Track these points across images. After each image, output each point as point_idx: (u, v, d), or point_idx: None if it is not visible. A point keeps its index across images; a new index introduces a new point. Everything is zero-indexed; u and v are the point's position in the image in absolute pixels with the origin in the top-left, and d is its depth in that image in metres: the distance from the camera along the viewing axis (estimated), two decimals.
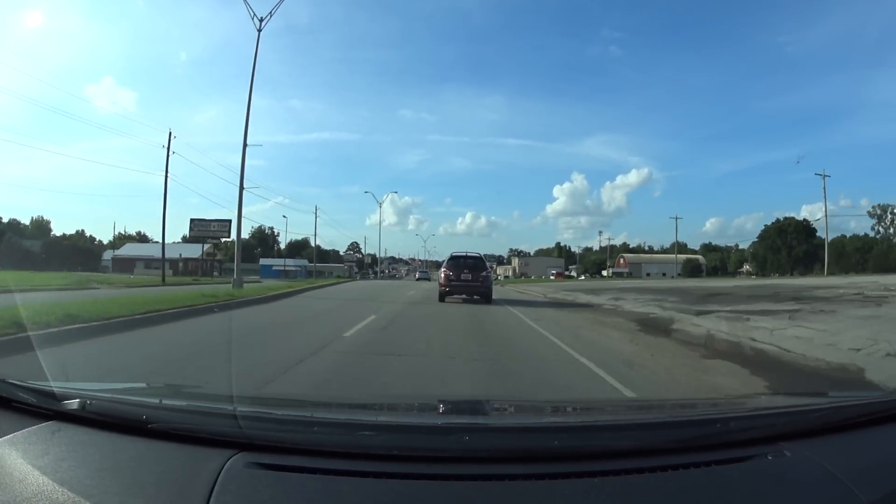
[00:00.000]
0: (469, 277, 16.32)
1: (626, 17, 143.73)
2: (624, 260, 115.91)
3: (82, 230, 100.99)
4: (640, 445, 1.29)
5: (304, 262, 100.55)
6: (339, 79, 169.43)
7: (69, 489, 1.07)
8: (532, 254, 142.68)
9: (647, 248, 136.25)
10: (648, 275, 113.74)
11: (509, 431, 1.45)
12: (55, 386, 1.44)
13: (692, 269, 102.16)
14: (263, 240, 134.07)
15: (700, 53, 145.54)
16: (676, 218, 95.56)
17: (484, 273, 16.82)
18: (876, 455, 1.34)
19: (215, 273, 67.49)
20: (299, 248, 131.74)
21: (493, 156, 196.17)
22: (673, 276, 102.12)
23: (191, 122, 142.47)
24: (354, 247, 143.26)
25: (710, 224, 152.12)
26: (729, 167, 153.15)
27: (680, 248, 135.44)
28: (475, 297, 16.39)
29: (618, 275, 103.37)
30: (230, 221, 44.79)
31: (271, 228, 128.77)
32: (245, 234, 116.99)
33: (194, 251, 68.43)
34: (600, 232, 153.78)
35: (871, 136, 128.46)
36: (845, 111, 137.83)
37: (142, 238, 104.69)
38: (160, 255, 54.50)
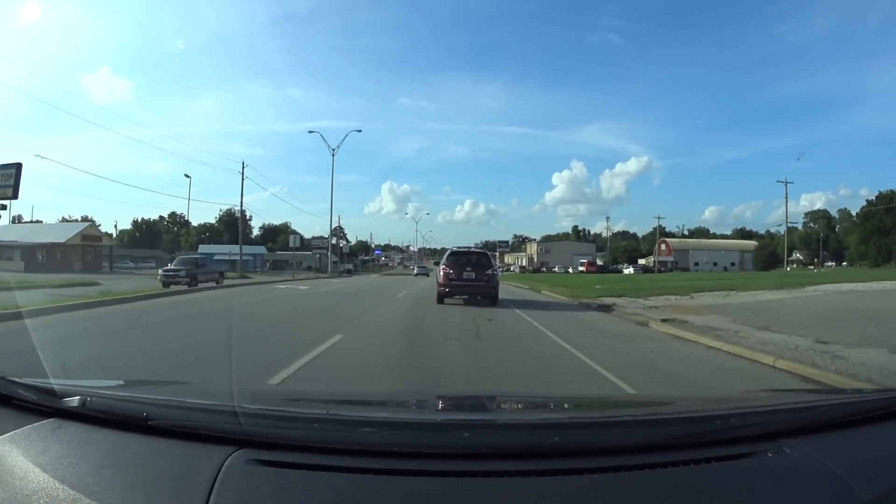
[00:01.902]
0: (472, 276, 14.24)
1: (625, 5, 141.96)
2: (668, 246, 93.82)
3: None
4: (641, 442, 1.28)
5: (262, 249, 78.55)
6: (338, 67, 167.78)
7: (70, 486, 1.06)
8: (538, 240, 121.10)
9: (684, 233, 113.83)
10: (697, 265, 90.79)
11: (509, 428, 1.45)
12: (55, 383, 1.44)
13: (768, 259, 79.31)
14: (233, 224, 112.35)
15: (699, 42, 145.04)
16: (786, 182, 69.07)
17: (489, 271, 14.65)
18: (875, 452, 1.32)
19: (106, 266, 46.10)
20: (276, 233, 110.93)
21: (492, 144, 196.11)
22: (726, 267, 79.67)
23: (188, 111, 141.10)
24: (338, 231, 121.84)
25: (710, 212, 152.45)
26: (728, 156, 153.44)
27: (709, 235, 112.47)
28: (479, 297, 14.40)
29: (661, 265, 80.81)
30: (18, 167, 23.46)
31: (243, 211, 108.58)
32: (211, 219, 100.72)
33: (64, 233, 46.57)
34: (608, 218, 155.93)
35: (870, 126, 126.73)
36: (845, 101, 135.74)
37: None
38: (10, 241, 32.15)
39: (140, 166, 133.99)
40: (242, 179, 42.64)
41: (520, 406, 2.17)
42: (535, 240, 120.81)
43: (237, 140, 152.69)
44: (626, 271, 73.64)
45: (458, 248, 16.33)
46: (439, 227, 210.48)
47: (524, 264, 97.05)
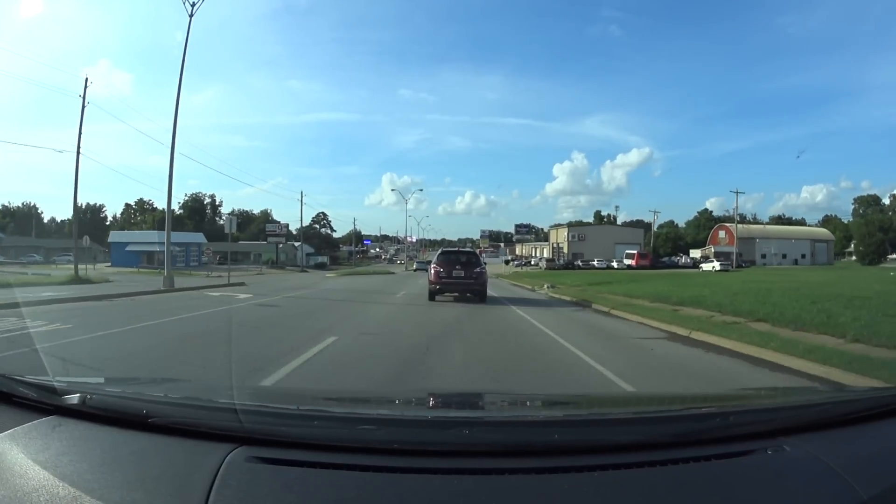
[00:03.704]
0: (462, 274, 14.89)
1: None
2: (730, 234, 75.47)
3: None
4: (640, 439, 1.28)
5: (198, 236, 59.84)
6: (338, 59, 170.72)
7: (70, 484, 1.06)
8: (546, 229, 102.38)
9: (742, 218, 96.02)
10: (764, 257, 71.89)
11: (508, 425, 1.46)
12: (55, 381, 1.45)
13: (878, 250, 60.30)
14: (198, 210, 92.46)
15: (700, 34, 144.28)
16: None
17: (478, 269, 15.33)
18: (875, 450, 1.32)
19: None
20: (247, 221, 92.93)
21: (492, 135, 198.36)
22: (796, 259, 61.87)
23: (188, 104, 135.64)
24: (320, 219, 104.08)
25: (710, 204, 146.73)
26: (729, 148, 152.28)
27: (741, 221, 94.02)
28: (468, 294, 14.98)
29: (724, 257, 62.82)
30: None
31: (212, 196, 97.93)
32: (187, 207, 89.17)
33: None
34: (616, 207, 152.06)
35: (872, 119, 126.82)
36: (845, 93, 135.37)
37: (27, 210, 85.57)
38: None
39: (140, 159, 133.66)
40: (83, 109, 22.95)
41: (519, 403, 2.13)
42: (561, 225, 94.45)
43: (237, 132, 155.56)
44: (706, 267, 54.88)
45: (448, 248, 18.22)
46: (440, 218, 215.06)
47: (549, 256, 77.36)
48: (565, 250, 78.29)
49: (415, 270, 45.90)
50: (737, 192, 67.20)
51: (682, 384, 5.67)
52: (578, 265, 61.72)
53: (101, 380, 2.21)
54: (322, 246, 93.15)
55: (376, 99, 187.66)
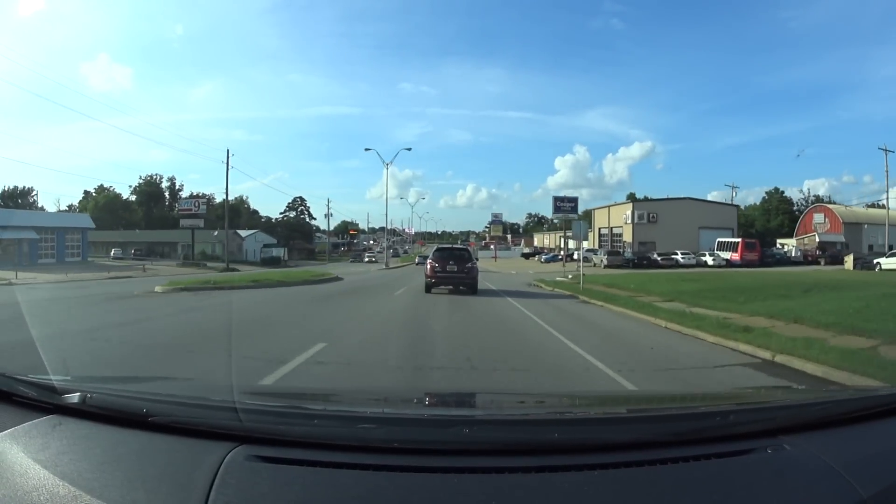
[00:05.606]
0: (455, 269, 16.31)
1: None
2: (832, 217, 58.14)
3: None
4: (640, 438, 1.28)
5: (83, 219, 39.57)
6: (340, 53, 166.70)
7: (70, 483, 1.07)
8: (554, 219, 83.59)
9: (811, 199, 79.11)
10: (871, 248, 53.64)
11: (509, 424, 1.46)
12: (55, 380, 1.45)
13: None
14: (153, 195, 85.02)
15: (702, 27, 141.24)
16: None
17: (469, 264, 16.83)
18: (875, 449, 1.31)
19: None
20: (209, 208, 73.78)
21: (493, 128, 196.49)
22: None
23: (189, 98, 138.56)
24: (296, 205, 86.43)
25: (712, 198, 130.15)
26: (730, 141, 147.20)
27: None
28: (461, 287, 16.38)
29: (829, 247, 45.75)
30: None
31: (171, 179, 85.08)
32: (124, 188, 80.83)
33: None
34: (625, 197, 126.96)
35: (873, 113, 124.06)
36: (847, 88, 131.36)
37: None
38: None
39: (140, 154, 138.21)
40: None
41: (520, 402, 2.12)
42: (620, 203, 65.61)
43: (238, 127, 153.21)
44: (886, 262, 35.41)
45: (443, 245, 21.38)
46: (442, 211, 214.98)
47: (605, 247, 55.85)
48: (627, 238, 57.11)
49: (416, 264, 44.24)
50: (885, 150, 46.98)
51: None
52: (657, 261, 43.43)
53: (101, 378, 2.19)
54: (293, 236, 74.51)
55: (377, 92, 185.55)
